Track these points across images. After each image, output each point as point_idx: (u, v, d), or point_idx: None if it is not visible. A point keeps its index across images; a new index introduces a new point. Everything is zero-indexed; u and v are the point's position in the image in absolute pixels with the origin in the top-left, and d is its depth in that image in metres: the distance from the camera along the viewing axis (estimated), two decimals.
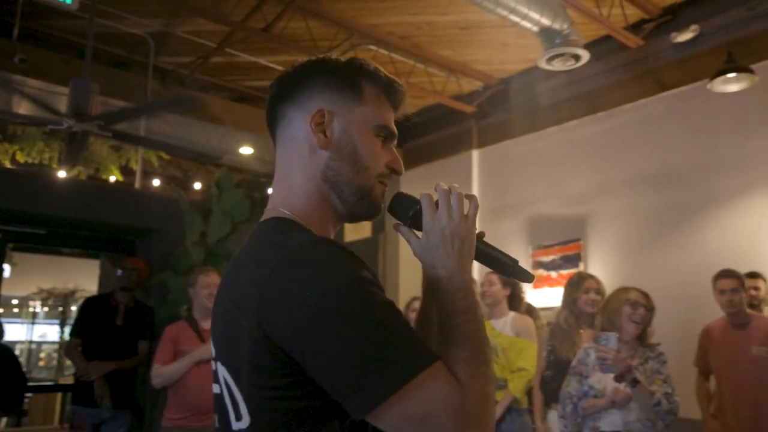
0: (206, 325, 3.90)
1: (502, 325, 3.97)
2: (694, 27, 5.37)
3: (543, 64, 4.98)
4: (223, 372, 0.97)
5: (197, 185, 8.61)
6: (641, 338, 3.02)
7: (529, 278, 1.13)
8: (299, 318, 0.86)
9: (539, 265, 6.23)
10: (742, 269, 4.34)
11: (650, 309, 3.06)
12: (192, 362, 3.65)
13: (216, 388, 1.02)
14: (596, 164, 6.01)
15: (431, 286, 1.04)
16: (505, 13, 4.57)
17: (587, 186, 6.06)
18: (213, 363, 1.03)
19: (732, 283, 3.80)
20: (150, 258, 4.81)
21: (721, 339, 3.90)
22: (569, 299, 3.72)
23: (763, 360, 3.69)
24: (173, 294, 4.49)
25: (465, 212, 1.07)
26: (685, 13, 5.48)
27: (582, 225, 6.03)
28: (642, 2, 5.32)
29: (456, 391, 0.84)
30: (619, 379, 2.85)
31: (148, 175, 8.16)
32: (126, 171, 7.86)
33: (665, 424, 2.80)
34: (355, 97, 1.07)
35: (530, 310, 4.40)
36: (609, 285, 3.91)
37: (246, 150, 7.22)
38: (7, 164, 7.05)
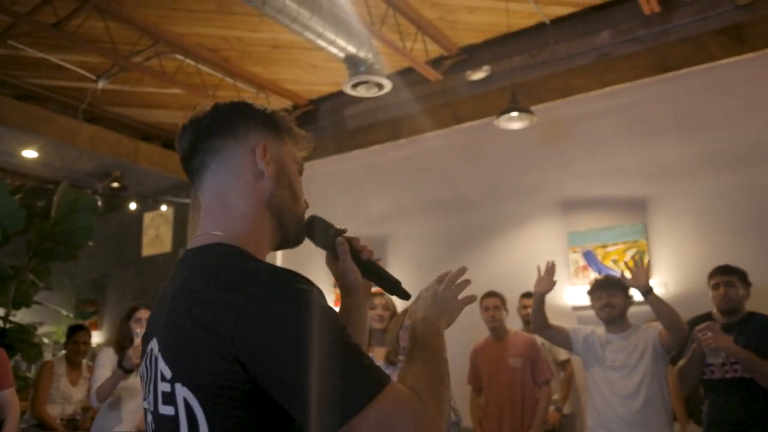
0: None
1: None
2: (486, 67, 5.90)
3: (348, 90, 5.16)
4: (183, 392, 0.95)
5: None
6: None
7: (407, 297, 1.27)
8: (270, 341, 0.89)
9: None
10: (522, 289, 4.82)
11: None
12: None
13: (169, 410, 0.97)
14: (396, 188, 6.33)
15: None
16: (312, 37, 4.67)
17: (387, 208, 6.36)
18: (163, 384, 0.98)
19: (494, 301, 4.31)
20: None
21: (486, 354, 4.36)
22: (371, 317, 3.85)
23: (517, 370, 4.17)
24: None
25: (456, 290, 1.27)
26: (479, 54, 6.00)
27: (382, 245, 6.30)
28: (441, 40, 5.74)
29: (418, 404, 0.92)
30: None
31: None
32: None
33: None
34: (281, 138, 1.16)
35: None
36: (404, 304, 4.11)
37: (29, 153, 6.60)
38: None
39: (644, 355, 3.28)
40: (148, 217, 8.28)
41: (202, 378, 0.93)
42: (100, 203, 4.82)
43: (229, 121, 1.13)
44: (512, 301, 4.69)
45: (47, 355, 6.22)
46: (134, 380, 3.77)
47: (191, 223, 7.85)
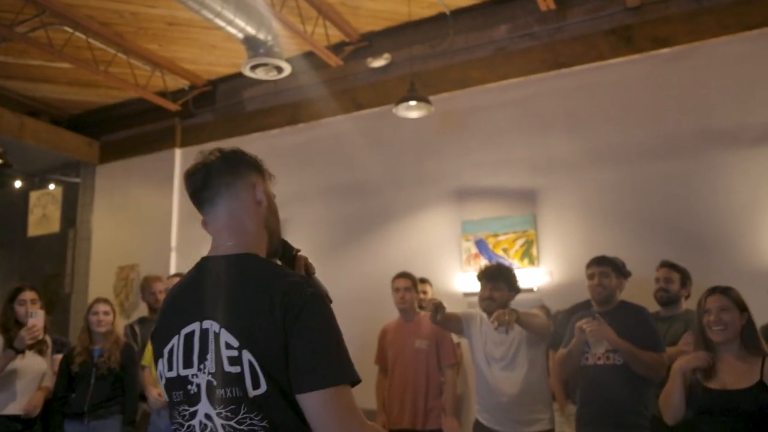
0: None
1: None
2: (386, 55, 5.97)
3: (247, 72, 5.09)
4: (247, 356, 1.34)
5: None
6: None
7: (330, 302, 1.55)
8: (312, 329, 1.34)
9: None
10: (416, 275, 4.93)
11: None
12: None
13: (237, 369, 1.34)
14: (295, 173, 6.30)
15: None
16: (210, 15, 4.57)
17: (285, 192, 6.19)
18: (228, 350, 1.35)
19: (405, 282, 4.33)
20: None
21: (394, 335, 4.40)
22: None
23: (422, 352, 4.24)
24: None
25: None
26: (379, 41, 6.06)
27: (282, 229, 6.27)
28: (343, 25, 5.75)
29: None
30: None
31: None
32: None
33: None
34: (264, 177, 1.59)
35: None
36: None
37: None
38: None
39: (522, 346, 3.45)
40: (34, 196, 7.86)
41: (261, 348, 1.33)
42: None
43: (235, 163, 1.55)
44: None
45: None
46: (26, 360, 3.72)
47: (81, 203, 7.52)
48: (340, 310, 3.26)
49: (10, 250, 8.79)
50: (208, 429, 1.37)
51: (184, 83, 6.71)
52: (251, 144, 6.49)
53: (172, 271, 6.59)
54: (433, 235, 5.61)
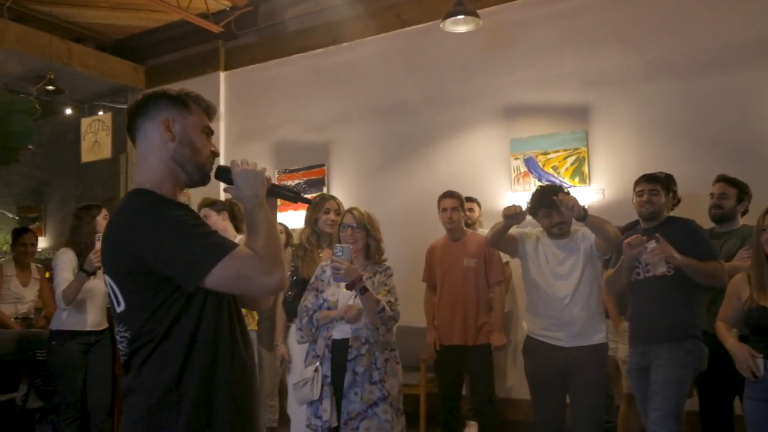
0: None
1: None
2: None
3: None
4: (109, 279, 1.62)
5: None
6: (368, 254, 3.28)
7: (308, 201, 1.90)
8: (147, 240, 1.52)
9: None
10: (465, 194, 4.94)
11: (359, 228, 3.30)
12: None
13: (108, 290, 1.63)
14: (338, 93, 6.27)
15: (245, 211, 1.66)
16: None
17: (330, 113, 6.32)
18: (106, 276, 1.63)
19: (452, 202, 4.32)
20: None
21: (442, 253, 4.43)
22: (311, 219, 3.87)
23: (471, 270, 4.28)
24: None
25: (256, 168, 1.69)
26: None
27: (325, 150, 6.31)
28: None
29: (253, 257, 1.54)
30: (350, 287, 3.10)
31: None
32: None
33: (387, 328, 3.09)
34: (186, 110, 1.69)
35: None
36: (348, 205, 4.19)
37: None
38: None
39: (580, 260, 3.43)
40: (85, 122, 7.99)
41: (115, 270, 1.60)
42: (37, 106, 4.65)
43: (147, 105, 1.69)
44: None
45: None
46: (95, 282, 3.89)
47: None
48: (387, 229, 3.33)
49: (65, 176, 9.08)
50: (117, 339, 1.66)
51: (225, 4, 6.62)
52: (293, 65, 6.52)
53: (221, 193, 6.72)
54: (481, 154, 5.56)
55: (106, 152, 7.81)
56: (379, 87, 6.06)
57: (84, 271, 3.80)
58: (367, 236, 3.22)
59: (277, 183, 1.85)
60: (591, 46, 5.18)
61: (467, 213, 4.77)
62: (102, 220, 3.97)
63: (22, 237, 4.99)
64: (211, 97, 5.90)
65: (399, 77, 5.97)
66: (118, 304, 1.59)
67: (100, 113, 7.98)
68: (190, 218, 1.57)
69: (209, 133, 1.75)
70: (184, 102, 1.70)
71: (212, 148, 1.75)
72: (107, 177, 7.98)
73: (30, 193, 9.68)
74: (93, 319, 4.02)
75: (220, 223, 4.09)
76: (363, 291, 3.00)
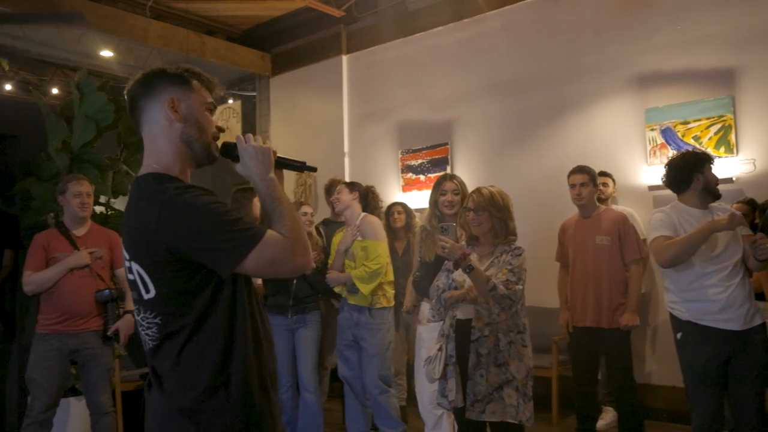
0: (78, 232, 3.85)
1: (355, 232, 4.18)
2: None
3: None
4: (136, 267, 1.59)
5: (54, 90, 7.98)
6: (496, 234, 3.19)
7: (314, 170, 1.86)
8: (182, 228, 1.50)
9: (408, 168, 6.42)
10: (597, 169, 4.73)
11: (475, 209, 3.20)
12: (65, 268, 3.70)
13: (130, 277, 1.62)
14: (461, 70, 6.17)
15: (258, 191, 1.66)
16: None
17: (453, 91, 6.23)
18: (127, 262, 1.62)
19: (581, 177, 4.13)
20: (8, 165, 4.47)
21: (573, 231, 4.25)
22: (432, 201, 3.84)
23: (604, 248, 4.08)
24: (37, 201, 4.23)
25: (261, 143, 1.67)
26: None
27: (448, 129, 6.24)
28: None
29: (284, 241, 1.54)
30: (455, 265, 3.04)
31: None
32: None
33: (502, 307, 2.93)
34: (189, 89, 1.66)
35: (389, 213, 4.82)
36: (474, 186, 4.11)
37: (107, 53, 6.74)
38: None
39: (733, 243, 3.22)
40: (217, 111, 8.40)
41: (145, 257, 1.56)
42: None
43: (149, 85, 1.65)
44: None
45: None
46: None
47: (258, 115, 7.95)
48: (516, 207, 3.21)
49: (316, 167, 9.57)
50: (139, 324, 1.66)
51: None
52: (414, 45, 6.48)
53: (347, 176, 6.86)
54: (614, 125, 5.28)
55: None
56: (503, 61, 5.89)
57: None
58: (491, 217, 3.13)
59: (279, 155, 1.79)
60: (739, 2, 4.76)
61: (601, 188, 4.57)
62: (257, 202, 4.12)
63: None
64: (334, 80, 6.02)
65: (524, 50, 5.77)
66: (147, 291, 1.58)
67: (230, 101, 8.35)
68: (220, 205, 1.54)
69: (213, 108, 1.72)
70: (185, 80, 1.67)
71: (217, 124, 1.72)
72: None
73: None
74: None
75: (350, 199, 4.17)
76: (469, 269, 2.94)
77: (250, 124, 8.06)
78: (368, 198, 4.29)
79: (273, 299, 4.30)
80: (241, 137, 1.69)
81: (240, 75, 8.00)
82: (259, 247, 1.50)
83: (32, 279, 3.69)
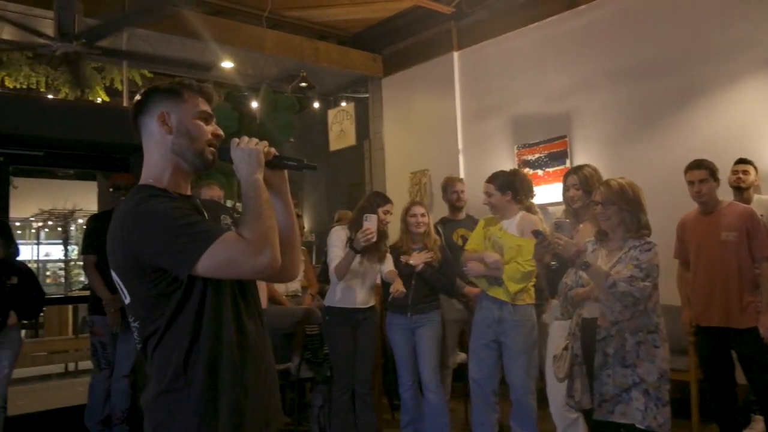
0: None
1: (507, 225, 4.08)
2: None
3: None
4: (114, 274, 1.67)
5: None
6: (626, 229, 3.06)
7: (313, 168, 1.86)
8: (139, 235, 1.56)
9: (525, 164, 6.30)
10: (732, 157, 4.44)
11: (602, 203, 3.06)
12: None
13: (118, 286, 1.68)
14: (577, 59, 5.97)
15: (242, 191, 1.67)
16: None
17: (569, 82, 6.05)
18: (112, 271, 1.68)
19: (700, 174, 3.86)
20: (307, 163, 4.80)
21: (694, 227, 4.01)
22: (563, 195, 3.77)
23: (730, 244, 3.81)
24: None
25: (252, 145, 1.70)
26: None
27: (566, 121, 6.06)
28: None
29: (241, 242, 1.54)
30: (571, 263, 2.95)
31: (132, 94, 8.04)
32: (111, 91, 7.85)
33: (623, 305, 2.82)
34: (179, 100, 1.72)
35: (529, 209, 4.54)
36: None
37: (226, 64, 7.09)
38: None
39: None
40: (331, 113, 8.62)
41: (118, 266, 1.63)
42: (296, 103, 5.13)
43: (143, 103, 1.73)
44: (722, 171, 4.17)
45: None
46: (366, 264, 4.19)
47: (371, 116, 8.08)
48: None
49: (316, 164, 9.86)
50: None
51: None
52: (526, 36, 6.35)
53: (461, 173, 6.83)
54: (750, 109, 4.91)
55: (351, 140, 8.35)
56: (622, 48, 5.65)
57: (352, 249, 4.07)
58: (620, 211, 3.01)
59: (279, 155, 1.80)
60: None
61: (741, 176, 4.33)
62: (382, 213, 4.18)
63: None
64: (446, 77, 6.01)
65: (645, 34, 5.50)
66: (125, 297, 1.66)
67: (343, 104, 8.53)
68: (179, 210, 1.58)
69: (207, 117, 1.74)
70: (176, 92, 1.72)
71: (213, 131, 1.75)
72: (353, 163, 8.52)
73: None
74: (361, 297, 4.25)
75: (504, 202, 4.07)
76: (585, 266, 2.84)
77: (363, 126, 8.20)
78: (516, 186, 4.12)
79: (394, 298, 4.35)
80: (235, 140, 1.72)
81: (352, 78, 8.16)
82: (213, 248, 1.52)
83: None
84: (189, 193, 1.78)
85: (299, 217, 5.73)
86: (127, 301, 1.66)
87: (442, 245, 4.48)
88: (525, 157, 6.31)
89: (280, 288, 5.23)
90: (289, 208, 1.86)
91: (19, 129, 4.47)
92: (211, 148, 1.74)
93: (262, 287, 4.07)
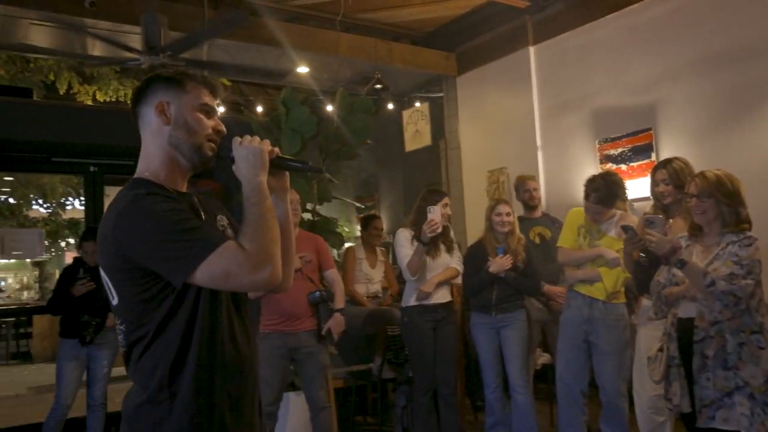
0: None
1: (607, 226, 3.98)
2: None
3: None
4: (102, 273, 1.59)
5: (259, 109, 8.70)
6: (724, 223, 2.91)
7: (320, 170, 2.05)
8: (134, 237, 1.47)
9: (608, 158, 6.09)
10: None
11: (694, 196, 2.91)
12: None
13: (106, 284, 1.60)
14: (661, 48, 5.73)
15: (243, 194, 1.59)
16: None
17: (653, 72, 5.81)
18: (101, 270, 1.60)
19: None
20: (229, 179, 4.95)
21: None
22: (651, 191, 3.64)
23: None
24: None
25: (256, 144, 1.61)
26: None
27: (651, 113, 5.82)
28: None
29: (240, 254, 1.44)
30: (665, 260, 2.81)
31: None
32: None
33: (723, 304, 2.68)
34: (180, 90, 1.63)
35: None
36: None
37: (302, 69, 7.21)
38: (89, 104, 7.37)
39: None
40: (406, 114, 8.62)
41: (107, 265, 1.55)
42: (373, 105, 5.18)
43: (142, 93, 1.65)
44: None
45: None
46: (438, 258, 4.23)
47: (446, 115, 8.02)
48: None
49: (391, 166, 9.91)
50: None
51: None
52: (606, 27, 6.14)
53: (540, 170, 6.68)
54: None
55: (426, 140, 8.32)
56: (711, 33, 5.38)
57: (420, 242, 4.07)
58: (717, 204, 2.86)
59: (282, 155, 1.70)
60: None
61: None
62: (441, 207, 4.17)
63: (372, 222, 5.55)
64: (522, 73, 5.89)
65: (736, 17, 5.21)
66: (113, 297, 1.56)
67: (417, 104, 8.52)
68: (177, 213, 1.49)
69: (209, 110, 1.66)
70: (178, 81, 1.63)
71: (215, 126, 1.65)
72: (428, 163, 8.48)
73: (362, 184, 10.79)
74: (438, 293, 4.24)
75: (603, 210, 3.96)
76: (680, 264, 2.70)
77: (438, 126, 8.16)
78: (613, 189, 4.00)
79: (477, 298, 4.30)
80: (238, 138, 1.64)
81: (426, 77, 8.13)
82: (211, 258, 1.43)
83: None
84: (185, 189, 1.69)
85: (377, 218, 5.75)
86: (115, 302, 1.57)
87: (527, 244, 4.40)
88: (607, 152, 6.11)
89: (361, 289, 5.28)
90: (288, 217, 1.77)
91: (110, 140, 4.71)
92: (211, 144, 1.65)
93: (339, 287, 4.15)
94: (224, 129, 1.68)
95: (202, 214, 1.65)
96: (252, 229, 1.50)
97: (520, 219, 4.95)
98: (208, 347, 1.54)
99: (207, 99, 1.66)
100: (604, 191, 3.90)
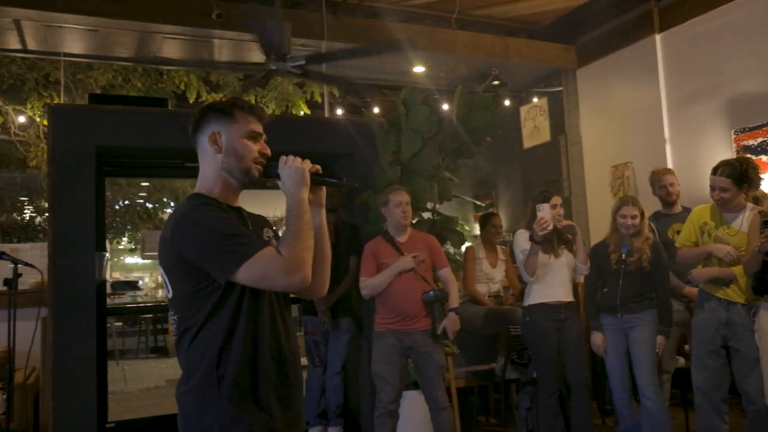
0: (401, 239, 4.17)
1: (732, 220, 3.71)
2: None
3: None
4: (160, 269, 1.84)
5: (376, 110, 8.84)
6: None
7: (353, 186, 2.05)
8: (188, 238, 1.73)
9: (746, 149, 5.68)
10: None
11: None
12: (394, 273, 4.03)
13: (163, 279, 1.86)
14: (756, 47, 5.26)
15: (286, 208, 1.80)
16: None
17: (743, 69, 5.35)
18: (159, 267, 1.85)
19: None
20: (350, 180, 5.05)
21: None
22: None
23: None
24: (374, 212, 4.66)
25: (299, 164, 1.82)
26: None
27: None
28: None
29: (277, 259, 1.69)
30: None
31: (331, 106, 8.55)
32: (311, 104, 8.47)
33: None
34: (230, 120, 1.87)
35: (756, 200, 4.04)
36: None
37: (418, 69, 7.24)
38: None
39: None
40: (523, 110, 8.45)
41: (165, 262, 1.81)
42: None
43: (197, 123, 1.90)
44: None
45: None
46: (554, 258, 4.13)
47: (566, 110, 7.79)
48: None
49: (509, 163, 9.75)
50: None
51: None
52: (741, 9, 5.73)
53: (669, 163, 6.34)
54: None
55: (545, 136, 8.13)
56: None
57: (533, 241, 3.97)
58: None
59: (320, 172, 1.90)
60: None
61: None
62: (551, 207, 4.04)
63: (491, 220, 5.47)
64: (648, 62, 5.62)
65: None
66: (168, 291, 1.81)
67: (535, 99, 8.33)
68: (226, 220, 1.74)
69: (256, 136, 1.87)
70: (228, 113, 1.86)
71: (261, 150, 1.87)
72: (547, 159, 8.26)
73: (479, 181, 10.68)
74: (559, 291, 4.14)
75: (737, 194, 3.68)
76: None
77: (556, 121, 7.94)
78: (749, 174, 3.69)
79: (602, 297, 4.14)
80: (283, 157, 1.84)
81: (545, 72, 7.94)
82: (252, 261, 1.66)
83: (367, 284, 4.08)
84: (237, 204, 1.92)
85: (495, 215, 5.67)
86: (170, 295, 1.82)
87: (655, 243, 4.15)
88: (745, 143, 5.70)
89: (482, 288, 5.21)
90: (323, 228, 1.95)
91: None
92: (257, 166, 1.87)
93: (453, 286, 4.13)
94: (269, 152, 1.91)
95: (249, 224, 1.89)
96: (290, 238, 1.73)
97: (658, 215, 4.71)
98: (252, 340, 1.76)
99: (254, 126, 1.89)
100: (737, 167, 3.62)
